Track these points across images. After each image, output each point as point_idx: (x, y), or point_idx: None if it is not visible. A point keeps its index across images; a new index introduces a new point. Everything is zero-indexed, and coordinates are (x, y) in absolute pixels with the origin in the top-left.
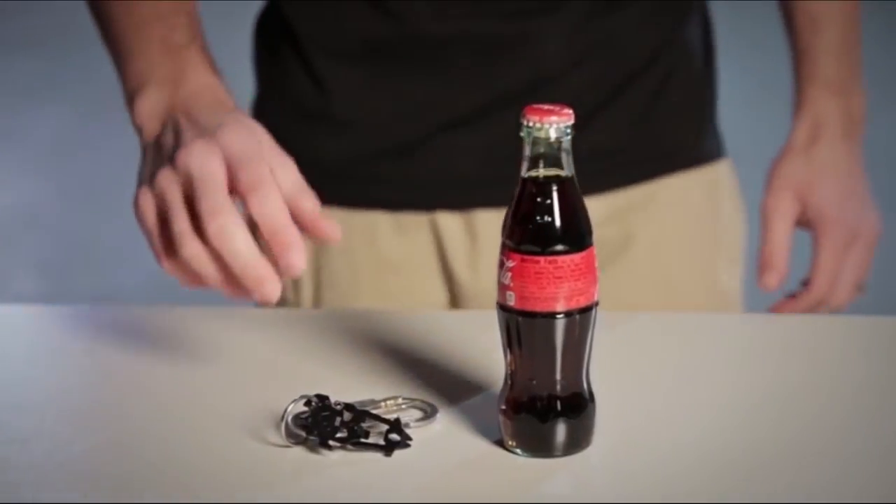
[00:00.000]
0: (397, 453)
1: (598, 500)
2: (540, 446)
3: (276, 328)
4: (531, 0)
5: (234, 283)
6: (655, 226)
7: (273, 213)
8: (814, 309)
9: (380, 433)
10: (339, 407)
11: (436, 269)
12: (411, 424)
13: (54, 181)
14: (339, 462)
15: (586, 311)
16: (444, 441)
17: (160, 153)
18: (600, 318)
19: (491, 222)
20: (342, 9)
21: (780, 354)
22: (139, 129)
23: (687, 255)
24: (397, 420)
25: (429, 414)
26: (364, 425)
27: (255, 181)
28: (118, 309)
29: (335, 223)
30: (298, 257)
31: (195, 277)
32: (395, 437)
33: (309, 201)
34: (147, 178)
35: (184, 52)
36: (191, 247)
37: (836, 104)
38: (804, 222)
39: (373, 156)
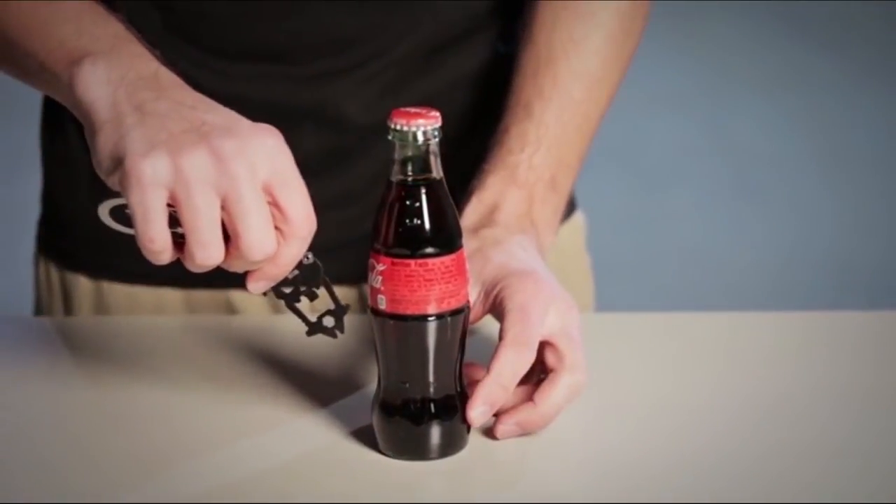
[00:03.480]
0: (268, 463)
1: (473, 500)
2: (414, 449)
3: (147, 337)
4: (325, 61)
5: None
6: None
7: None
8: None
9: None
10: (308, 261)
11: None
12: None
13: None
14: (210, 460)
15: (458, 313)
16: (318, 445)
17: (159, 121)
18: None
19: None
20: None
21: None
22: (88, 104)
23: None
24: (346, 307)
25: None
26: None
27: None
28: None
29: None
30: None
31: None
32: (329, 321)
33: None
34: (146, 143)
35: (118, 26)
36: (216, 258)
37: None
38: None
39: None
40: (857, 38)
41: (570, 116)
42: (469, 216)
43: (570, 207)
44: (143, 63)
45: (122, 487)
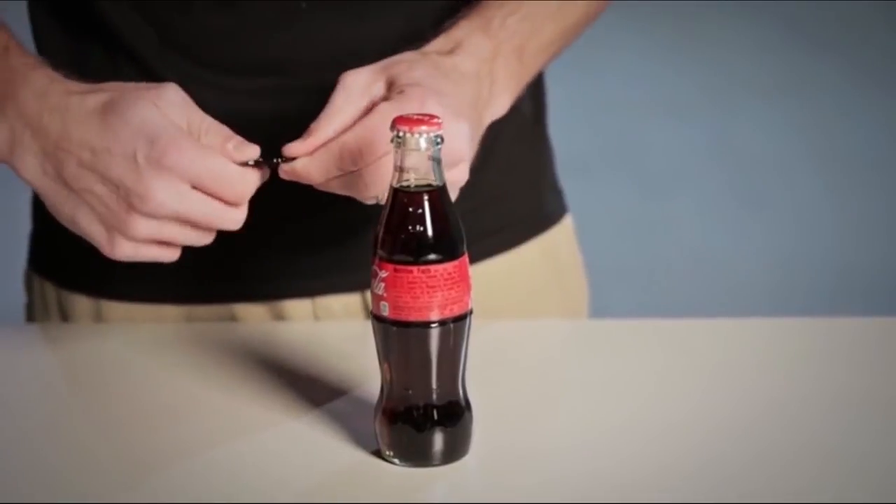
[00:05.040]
0: (272, 468)
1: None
2: (417, 455)
3: (145, 343)
4: (325, 73)
5: None
6: (490, 308)
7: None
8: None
9: None
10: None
11: None
12: None
13: None
14: (210, 462)
15: (460, 319)
16: (321, 451)
17: (105, 202)
18: (474, 327)
19: (300, 308)
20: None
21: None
22: (10, 166)
23: None
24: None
25: None
26: None
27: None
28: None
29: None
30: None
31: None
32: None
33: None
34: (107, 229)
35: (1, 63)
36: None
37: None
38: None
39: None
40: (859, 41)
41: (550, 3)
42: (431, 45)
43: (560, 210)
44: (31, 116)
45: (120, 487)
